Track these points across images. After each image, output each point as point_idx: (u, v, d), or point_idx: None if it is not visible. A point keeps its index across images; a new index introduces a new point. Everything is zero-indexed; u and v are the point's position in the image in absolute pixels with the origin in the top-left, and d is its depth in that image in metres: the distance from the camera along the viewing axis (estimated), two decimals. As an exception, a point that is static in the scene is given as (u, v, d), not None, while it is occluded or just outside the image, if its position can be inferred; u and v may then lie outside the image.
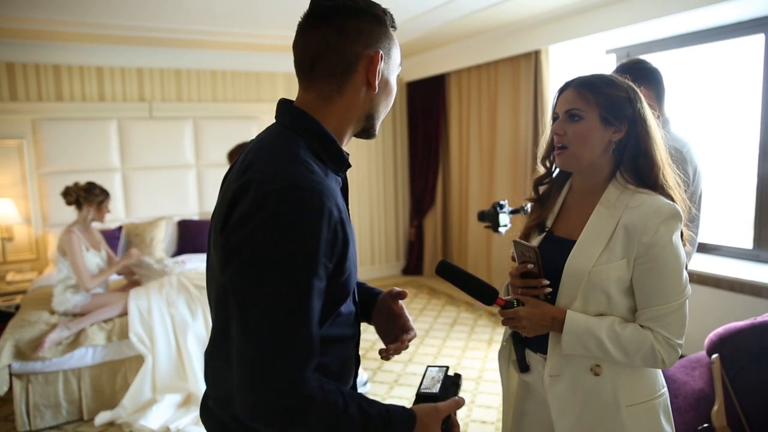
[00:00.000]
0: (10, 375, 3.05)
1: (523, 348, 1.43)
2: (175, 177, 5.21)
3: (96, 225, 3.83)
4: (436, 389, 1.05)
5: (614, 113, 1.29)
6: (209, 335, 3.42)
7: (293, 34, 1.04)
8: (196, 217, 5.25)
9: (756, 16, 3.40)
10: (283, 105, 1.05)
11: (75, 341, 3.17)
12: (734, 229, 3.89)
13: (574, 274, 1.28)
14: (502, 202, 2.44)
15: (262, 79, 5.61)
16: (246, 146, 1.06)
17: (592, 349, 1.24)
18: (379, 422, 0.93)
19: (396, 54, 1.08)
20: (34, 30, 4.26)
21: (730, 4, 3.11)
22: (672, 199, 1.29)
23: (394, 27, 1.08)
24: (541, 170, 1.48)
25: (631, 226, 1.24)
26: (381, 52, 1.02)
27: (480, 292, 1.34)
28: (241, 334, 0.86)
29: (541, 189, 1.50)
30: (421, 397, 1.04)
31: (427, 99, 6.06)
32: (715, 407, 1.89)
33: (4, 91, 4.58)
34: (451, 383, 1.09)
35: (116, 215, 4.80)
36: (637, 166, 1.30)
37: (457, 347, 4.17)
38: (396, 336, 1.22)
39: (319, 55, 1.00)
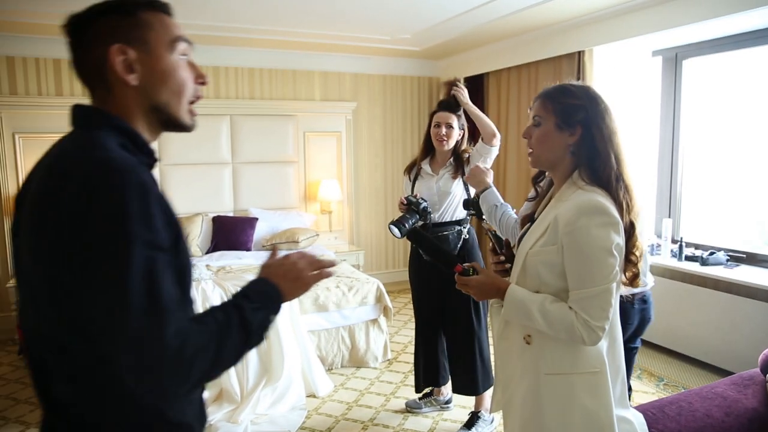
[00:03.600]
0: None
1: None
2: (212, 173, 5.27)
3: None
4: None
5: (567, 119, 1.44)
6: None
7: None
8: (231, 213, 5.31)
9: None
10: (77, 108, 1.05)
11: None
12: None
13: (520, 255, 1.51)
14: None
15: (299, 77, 5.63)
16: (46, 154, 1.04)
17: (524, 318, 1.43)
18: (246, 304, 0.98)
19: (155, 36, 1.05)
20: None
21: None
22: (618, 197, 1.40)
23: (155, 7, 1.07)
24: (536, 170, 1.67)
25: (559, 217, 1.40)
26: (117, 45, 1.00)
27: (443, 258, 1.65)
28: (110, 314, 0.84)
29: (545, 185, 1.67)
30: None
31: (464, 100, 5.98)
32: (769, 428, 1.79)
33: (50, 87, 4.71)
34: None
35: (154, 210, 4.88)
36: (593, 166, 1.43)
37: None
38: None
39: (77, 66, 1.05)
